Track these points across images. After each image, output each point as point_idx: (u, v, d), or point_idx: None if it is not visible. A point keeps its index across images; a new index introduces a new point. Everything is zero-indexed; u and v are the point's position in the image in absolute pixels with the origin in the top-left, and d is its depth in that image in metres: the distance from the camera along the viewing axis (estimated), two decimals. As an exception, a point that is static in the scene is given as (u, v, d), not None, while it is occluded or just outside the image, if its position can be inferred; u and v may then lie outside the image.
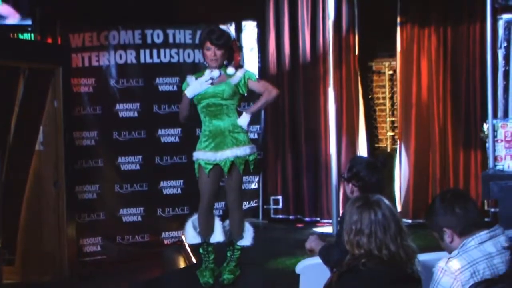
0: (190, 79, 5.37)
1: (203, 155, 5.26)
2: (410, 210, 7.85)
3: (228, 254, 5.43)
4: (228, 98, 5.22)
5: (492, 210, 7.32)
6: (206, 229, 5.36)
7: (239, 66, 5.41)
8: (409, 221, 7.67)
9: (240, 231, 5.37)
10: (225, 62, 5.31)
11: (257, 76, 5.50)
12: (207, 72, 5.29)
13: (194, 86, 5.26)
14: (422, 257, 3.12)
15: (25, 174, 6.87)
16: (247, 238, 5.40)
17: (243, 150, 5.22)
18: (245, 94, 5.37)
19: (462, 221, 2.96)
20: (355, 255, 2.83)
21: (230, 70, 5.28)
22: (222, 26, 5.43)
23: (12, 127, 6.81)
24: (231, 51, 5.35)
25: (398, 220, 2.86)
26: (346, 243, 2.87)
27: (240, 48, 5.66)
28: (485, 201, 7.32)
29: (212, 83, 5.23)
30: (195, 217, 5.46)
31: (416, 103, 7.92)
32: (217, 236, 5.37)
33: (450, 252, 2.98)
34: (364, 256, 2.80)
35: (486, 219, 7.10)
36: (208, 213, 5.34)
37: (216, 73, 5.26)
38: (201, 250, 5.43)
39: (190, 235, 5.46)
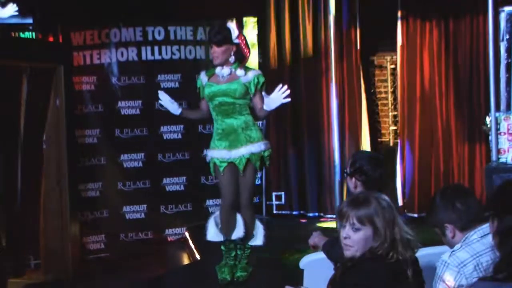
0: (203, 76, 5.34)
1: (217, 154, 5.23)
2: (415, 204, 7.82)
3: (239, 253, 5.36)
4: (240, 97, 5.17)
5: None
6: (227, 227, 5.29)
7: (246, 67, 5.33)
8: (415, 215, 7.67)
9: (251, 230, 5.32)
10: (231, 59, 5.20)
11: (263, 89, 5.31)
12: (218, 70, 5.24)
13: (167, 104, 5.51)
14: (425, 251, 3.11)
15: (39, 175, 6.83)
16: (258, 238, 5.35)
17: (258, 147, 5.20)
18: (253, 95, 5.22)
19: (463, 216, 2.96)
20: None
21: (240, 72, 5.19)
22: (227, 23, 5.31)
23: (22, 127, 6.79)
24: (239, 48, 5.26)
25: (395, 215, 2.84)
26: None
27: (247, 44, 5.56)
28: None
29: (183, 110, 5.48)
30: (217, 214, 5.40)
31: (418, 97, 7.88)
32: (239, 231, 5.28)
33: (452, 247, 2.97)
34: (366, 252, 2.79)
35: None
36: (229, 211, 5.27)
37: (226, 71, 5.21)
38: (222, 247, 5.38)
39: (212, 233, 5.39)
